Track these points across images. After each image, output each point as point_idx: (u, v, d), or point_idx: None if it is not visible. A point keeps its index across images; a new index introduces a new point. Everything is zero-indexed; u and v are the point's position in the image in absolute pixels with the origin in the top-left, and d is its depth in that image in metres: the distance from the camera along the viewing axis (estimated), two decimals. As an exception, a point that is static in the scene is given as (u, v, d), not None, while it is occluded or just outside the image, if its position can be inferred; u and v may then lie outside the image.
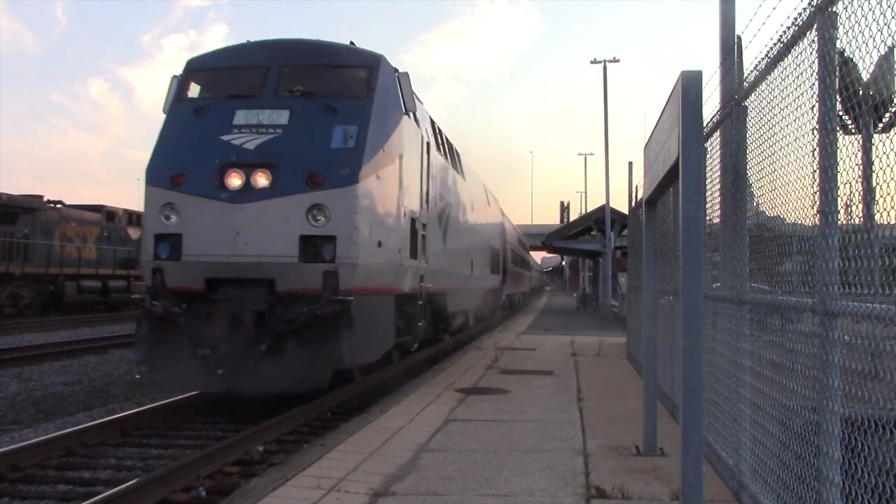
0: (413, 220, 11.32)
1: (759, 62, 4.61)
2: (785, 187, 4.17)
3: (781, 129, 4.21)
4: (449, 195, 14.84)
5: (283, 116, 9.71)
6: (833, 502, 3.35)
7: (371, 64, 10.57)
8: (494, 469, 6.03)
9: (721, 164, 5.71)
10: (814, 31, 3.61)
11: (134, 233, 33.26)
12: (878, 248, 3.11)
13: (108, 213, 33.34)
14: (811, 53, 3.65)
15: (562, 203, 79.38)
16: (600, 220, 34.13)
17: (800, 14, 3.82)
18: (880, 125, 3.17)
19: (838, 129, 3.40)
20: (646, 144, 7.16)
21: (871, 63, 3.05)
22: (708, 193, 5.83)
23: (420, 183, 11.98)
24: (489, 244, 22.33)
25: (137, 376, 13.23)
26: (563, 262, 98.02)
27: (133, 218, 34.13)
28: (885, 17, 2.85)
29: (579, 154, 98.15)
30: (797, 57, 3.91)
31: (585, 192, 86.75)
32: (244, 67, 10.70)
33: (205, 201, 9.21)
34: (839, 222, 3.40)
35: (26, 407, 10.69)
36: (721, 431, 5.76)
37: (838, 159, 3.36)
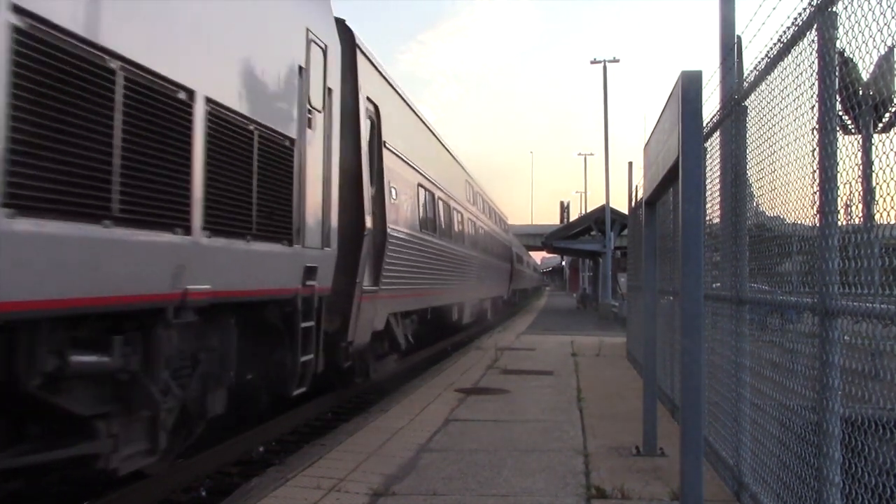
0: None
1: (759, 62, 4.61)
2: (785, 187, 4.17)
3: (781, 129, 4.21)
4: None
5: None
6: (833, 502, 3.35)
7: None
8: (494, 469, 6.03)
9: (721, 164, 5.71)
10: (814, 31, 3.61)
11: None
12: (878, 248, 3.11)
13: None
14: (811, 53, 3.65)
15: (562, 203, 79.65)
16: (600, 220, 34.14)
17: (800, 14, 3.82)
18: (880, 125, 3.17)
19: (838, 129, 3.40)
20: (646, 144, 7.17)
21: (871, 63, 3.05)
22: (708, 193, 5.84)
23: None
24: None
25: None
26: (563, 263, 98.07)
27: None
28: (885, 17, 2.85)
29: (579, 154, 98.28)
30: (797, 57, 3.91)
31: (585, 193, 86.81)
32: None
33: None
34: (839, 222, 3.41)
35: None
36: (721, 431, 5.76)
37: (838, 159, 3.36)
